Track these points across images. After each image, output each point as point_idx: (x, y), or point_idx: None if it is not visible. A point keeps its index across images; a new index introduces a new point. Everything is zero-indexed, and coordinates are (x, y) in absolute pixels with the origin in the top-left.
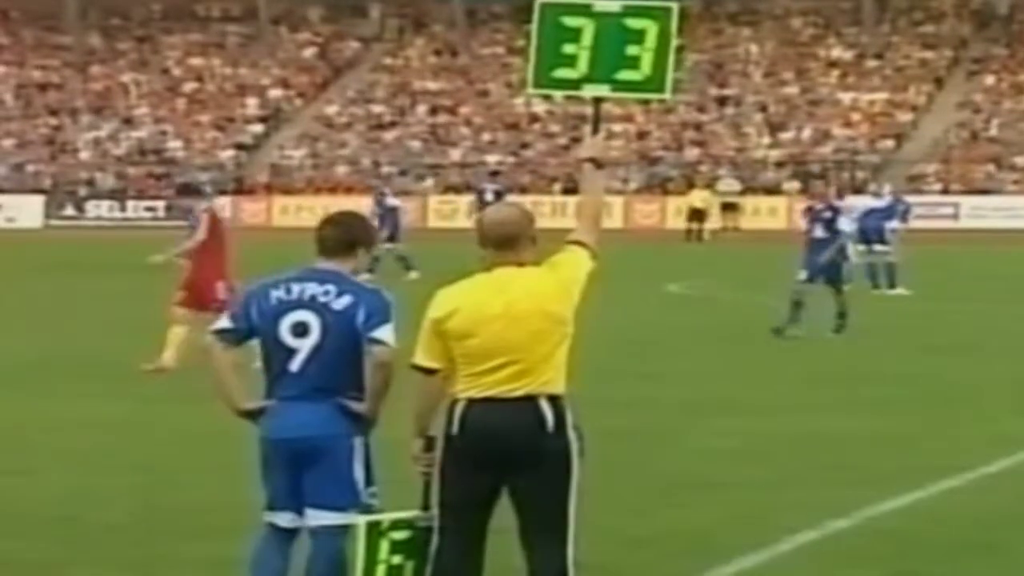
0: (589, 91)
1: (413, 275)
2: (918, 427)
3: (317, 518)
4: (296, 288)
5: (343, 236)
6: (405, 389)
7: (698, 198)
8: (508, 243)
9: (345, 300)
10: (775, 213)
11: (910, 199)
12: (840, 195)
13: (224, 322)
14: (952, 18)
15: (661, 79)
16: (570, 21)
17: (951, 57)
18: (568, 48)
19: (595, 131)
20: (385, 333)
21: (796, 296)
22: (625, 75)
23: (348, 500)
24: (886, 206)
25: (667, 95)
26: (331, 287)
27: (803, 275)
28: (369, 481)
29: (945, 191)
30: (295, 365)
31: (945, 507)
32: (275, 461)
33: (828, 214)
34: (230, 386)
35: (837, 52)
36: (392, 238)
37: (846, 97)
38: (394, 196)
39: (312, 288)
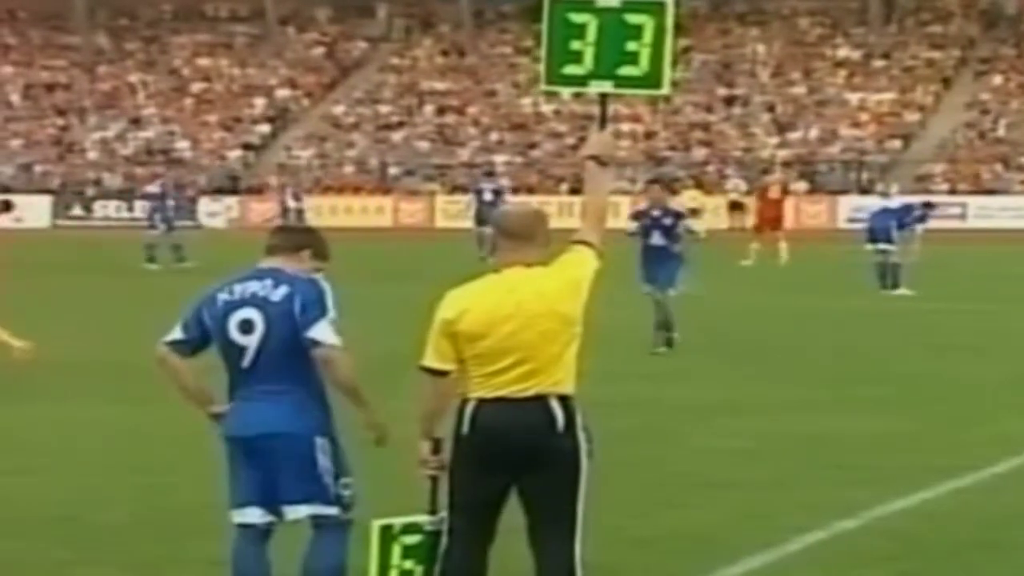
0: (594, 87)
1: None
2: (924, 427)
3: (293, 512)
4: (239, 288)
5: (287, 239)
6: (409, 390)
7: (688, 197)
8: (525, 237)
9: (282, 291)
10: None
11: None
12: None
13: (175, 333)
14: (960, 18)
15: (658, 75)
16: (575, 17)
17: (959, 57)
18: (575, 44)
19: (602, 127)
20: (319, 331)
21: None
22: (626, 71)
23: (316, 491)
24: (898, 207)
25: (665, 91)
26: (269, 281)
27: (647, 288)
28: (340, 472)
29: (952, 191)
30: (246, 361)
31: (951, 507)
32: (239, 458)
33: (668, 220)
34: (193, 390)
35: (844, 52)
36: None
37: (853, 97)
38: (298, 199)
39: (253, 286)
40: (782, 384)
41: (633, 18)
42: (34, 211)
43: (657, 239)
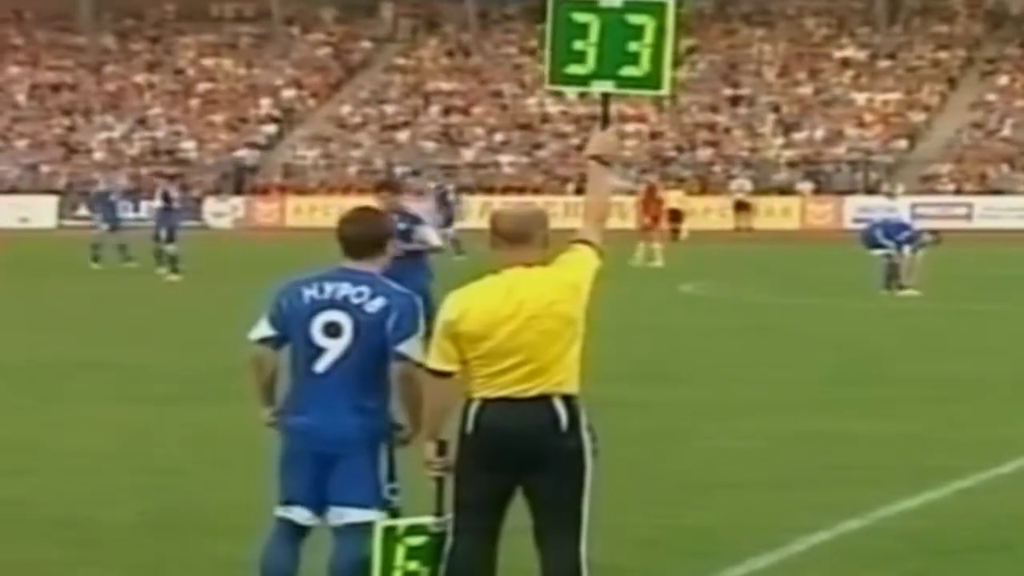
0: (597, 87)
1: (174, 277)
2: (930, 428)
3: (341, 516)
4: (329, 288)
5: (370, 235)
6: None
7: (673, 198)
8: (522, 239)
9: (378, 303)
10: (788, 213)
11: (923, 199)
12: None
13: (264, 329)
14: (965, 18)
15: (659, 75)
16: (578, 17)
17: (964, 57)
18: (578, 44)
19: (604, 127)
20: (409, 347)
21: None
22: (627, 71)
23: (370, 498)
24: (894, 224)
25: (664, 91)
26: (365, 288)
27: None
28: (391, 477)
29: (958, 191)
30: (322, 365)
31: (958, 508)
32: (298, 458)
33: (403, 225)
34: (271, 391)
35: (850, 52)
36: (170, 237)
37: (859, 97)
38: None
39: (345, 289)
40: (785, 385)
41: (634, 18)
42: (40, 211)
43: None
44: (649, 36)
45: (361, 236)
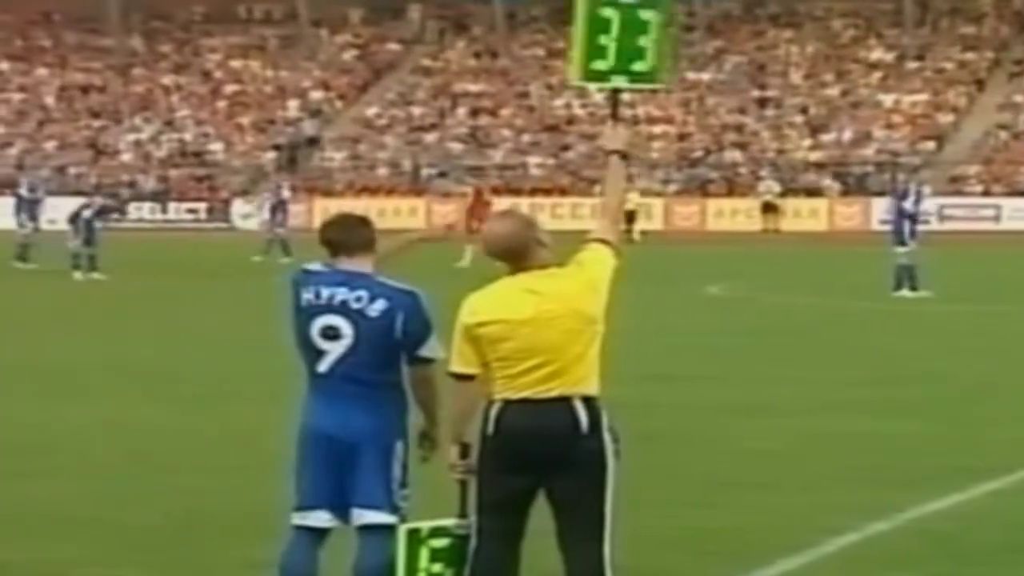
0: (615, 82)
1: (77, 276)
2: (958, 429)
3: (362, 517)
4: (325, 292)
5: (359, 235)
6: (440, 395)
7: (632, 200)
8: (513, 256)
9: (380, 305)
10: (816, 215)
11: (950, 201)
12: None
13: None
14: (993, 20)
15: (659, 69)
16: (603, 12)
17: (992, 59)
18: (602, 39)
19: (614, 120)
20: (431, 349)
21: None
22: (637, 66)
23: (384, 499)
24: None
25: (659, 84)
26: (363, 292)
27: None
28: (404, 483)
29: (986, 193)
30: (323, 366)
31: (985, 509)
32: (314, 459)
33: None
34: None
35: (878, 54)
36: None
37: (887, 99)
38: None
39: (342, 294)
40: (814, 386)
41: (644, 14)
42: (68, 213)
43: None
44: (654, 31)
45: (350, 235)
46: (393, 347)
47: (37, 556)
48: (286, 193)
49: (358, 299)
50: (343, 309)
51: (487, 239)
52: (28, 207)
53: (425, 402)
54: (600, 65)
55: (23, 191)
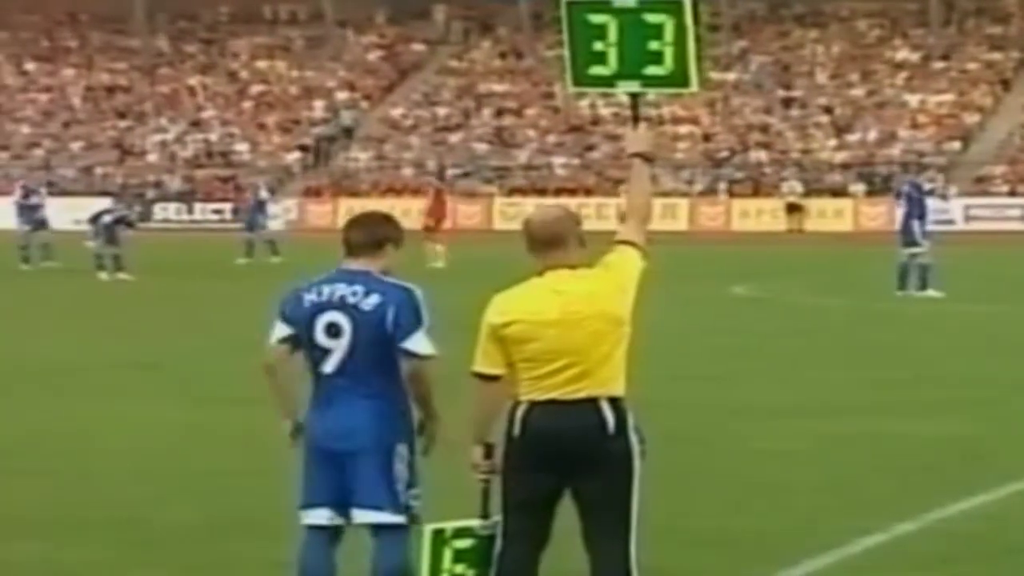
0: (622, 87)
1: (103, 276)
2: (985, 429)
3: (362, 517)
4: (327, 290)
5: (368, 236)
6: (463, 395)
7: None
8: (556, 243)
9: (373, 299)
10: (841, 215)
11: (976, 201)
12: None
13: (280, 330)
14: (1019, 19)
15: (685, 73)
16: (594, 18)
17: (1018, 58)
18: (597, 45)
19: (636, 124)
20: (416, 343)
21: None
22: (652, 70)
23: (388, 500)
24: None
25: (694, 88)
26: (359, 287)
27: None
28: (412, 483)
29: (1012, 193)
30: (329, 366)
31: (1012, 509)
32: (316, 460)
33: None
34: (291, 398)
35: (903, 54)
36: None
37: (912, 99)
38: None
39: (341, 289)
40: (839, 386)
41: (652, 17)
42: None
43: None
44: (669, 34)
45: (360, 236)
46: (388, 342)
47: (66, 557)
48: (264, 194)
49: (354, 294)
50: (341, 304)
51: (532, 225)
52: (26, 211)
53: (418, 399)
54: (601, 71)
55: (17, 197)
